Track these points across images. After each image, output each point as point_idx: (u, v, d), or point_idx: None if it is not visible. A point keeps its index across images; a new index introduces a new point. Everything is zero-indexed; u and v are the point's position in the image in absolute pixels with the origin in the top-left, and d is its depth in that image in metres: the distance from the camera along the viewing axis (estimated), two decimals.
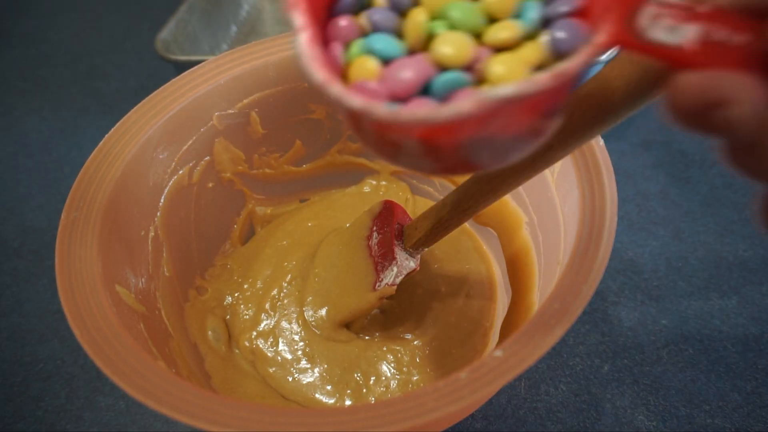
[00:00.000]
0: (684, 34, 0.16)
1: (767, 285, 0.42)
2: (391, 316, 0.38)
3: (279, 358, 0.37)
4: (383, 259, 0.34)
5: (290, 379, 0.36)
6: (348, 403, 0.34)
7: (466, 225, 0.43)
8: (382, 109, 0.16)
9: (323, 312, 0.38)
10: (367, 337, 0.37)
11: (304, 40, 0.17)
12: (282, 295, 0.40)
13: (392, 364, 0.36)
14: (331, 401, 0.35)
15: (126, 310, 0.29)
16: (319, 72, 0.17)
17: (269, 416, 0.23)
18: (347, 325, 0.38)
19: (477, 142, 0.18)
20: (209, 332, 0.38)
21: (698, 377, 0.38)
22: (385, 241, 0.35)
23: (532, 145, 0.19)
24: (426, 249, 0.34)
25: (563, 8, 0.17)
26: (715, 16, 0.16)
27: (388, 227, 0.35)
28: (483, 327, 0.38)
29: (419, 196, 0.45)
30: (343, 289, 0.37)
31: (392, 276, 0.33)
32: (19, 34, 0.74)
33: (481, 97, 0.15)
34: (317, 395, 0.35)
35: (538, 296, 0.34)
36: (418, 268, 0.34)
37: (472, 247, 0.42)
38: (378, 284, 0.34)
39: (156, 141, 0.35)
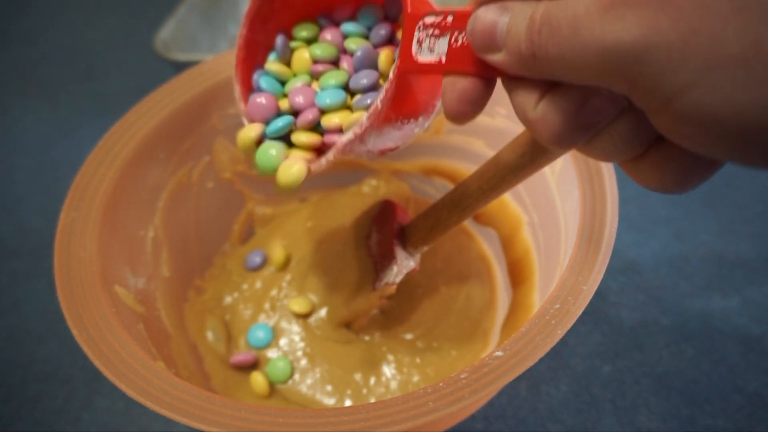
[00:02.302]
0: (438, 50, 0.21)
1: None
2: (391, 316, 0.38)
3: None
4: (383, 258, 0.34)
5: (290, 379, 0.36)
6: (348, 403, 0.34)
7: (466, 225, 0.43)
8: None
9: (323, 312, 0.38)
10: (367, 338, 0.37)
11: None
12: (282, 295, 0.40)
13: (392, 365, 0.36)
14: (331, 402, 0.35)
15: (125, 311, 0.29)
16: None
17: (269, 416, 0.23)
18: (347, 326, 0.38)
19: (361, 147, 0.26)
20: (209, 332, 0.38)
21: (700, 378, 0.38)
22: (385, 240, 0.35)
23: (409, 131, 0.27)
24: (426, 248, 0.34)
25: (364, 81, 0.25)
26: (456, 23, 0.20)
27: (388, 227, 0.35)
28: (483, 327, 0.38)
29: (419, 196, 0.45)
30: (343, 289, 0.37)
31: (392, 275, 0.33)
32: (17, 34, 0.74)
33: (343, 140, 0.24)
34: (317, 395, 0.35)
35: (538, 296, 0.34)
36: (418, 268, 0.34)
37: (473, 247, 0.42)
38: (378, 284, 0.34)
39: (155, 141, 0.35)
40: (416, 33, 0.21)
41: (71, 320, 0.26)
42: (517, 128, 0.28)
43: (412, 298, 0.39)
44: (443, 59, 0.20)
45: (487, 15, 0.18)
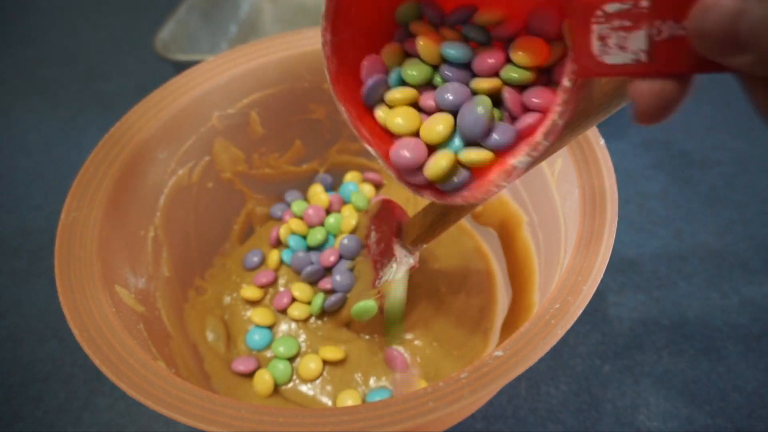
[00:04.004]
0: (634, 47, 0.16)
1: None
2: None
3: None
4: (382, 256, 0.34)
5: (290, 379, 0.36)
6: (348, 403, 0.34)
7: (466, 225, 0.43)
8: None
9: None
10: (367, 337, 0.37)
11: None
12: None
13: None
14: (331, 401, 0.35)
15: (125, 311, 0.29)
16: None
17: (269, 416, 0.23)
18: (347, 325, 0.38)
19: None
20: (209, 332, 0.38)
21: (699, 378, 0.38)
22: (384, 238, 0.35)
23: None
24: (425, 246, 0.34)
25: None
26: (658, 10, 0.15)
27: (387, 225, 0.35)
28: (483, 327, 0.38)
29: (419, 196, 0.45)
30: None
31: (392, 273, 0.33)
32: (18, 34, 0.74)
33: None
34: (317, 395, 0.35)
35: (538, 296, 0.34)
36: (417, 266, 0.34)
37: (472, 247, 0.42)
38: (377, 281, 0.34)
39: (155, 141, 0.35)
40: (595, 27, 0.16)
41: (72, 320, 0.26)
42: None
43: (412, 298, 0.39)
44: (643, 58, 0.16)
45: (723, 7, 0.14)
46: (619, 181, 0.30)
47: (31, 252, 0.48)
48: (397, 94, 0.24)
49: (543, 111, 0.21)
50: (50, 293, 0.43)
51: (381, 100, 0.25)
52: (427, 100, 0.24)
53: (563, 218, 0.32)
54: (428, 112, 0.24)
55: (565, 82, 0.18)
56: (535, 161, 0.21)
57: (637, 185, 0.50)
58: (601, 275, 0.26)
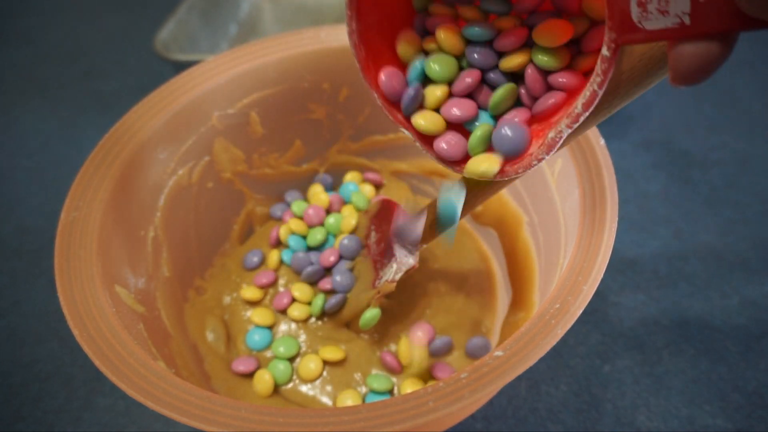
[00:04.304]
0: (675, 10, 0.16)
1: None
2: (391, 315, 0.38)
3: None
4: (382, 256, 0.34)
5: (290, 379, 0.36)
6: (348, 403, 0.34)
7: (466, 225, 0.43)
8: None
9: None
10: (366, 337, 0.37)
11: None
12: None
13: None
14: (331, 401, 0.35)
15: (125, 311, 0.29)
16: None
17: (269, 416, 0.23)
18: (347, 325, 0.38)
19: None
20: (209, 332, 0.38)
21: (699, 378, 0.38)
22: (384, 238, 0.35)
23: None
24: (425, 245, 0.34)
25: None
26: None
27: (387, 225, 0.35)
28: (483, 327, 0.38)
29: (419, 196, 0.45)
30: None
31: (391, 273, 0.33)
32: (17, 34, 0.74)
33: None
34: (317, 395, 0.35)
35: (538, 296, 0.34)
36: (417, 266, 0.34)
37: (472, 247, 0.42)
38: (377, 281, 0.34)
39: (155, 141, 0.35)
40: None
41: (71, 320, 0.26)
42: None
43: (412, 298, 0.39)
44: (687, 21, 0.16)
45: None
46: (619, 181, 0.30)
47: (31, 252, 0.48)
48: (431, 99, 0.25)
49: (568, 90, 0.22)
50: (50, 293, 0.43)
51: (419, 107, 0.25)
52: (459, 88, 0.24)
53: (563, 218, 0.32)
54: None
55: (604, 51, 0.18)
56: (573, 134, 0.21)
57: (637, 185, 0.50)
58: (601, 275, 0.26)
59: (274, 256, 0.41)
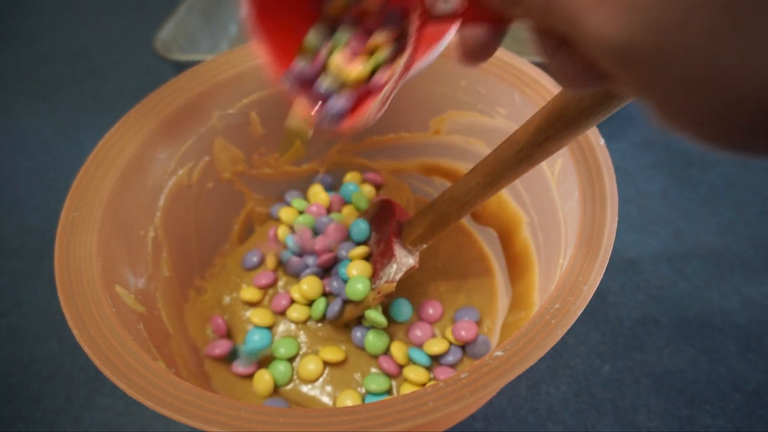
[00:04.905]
0: (455, 1, 0.20)
1: None
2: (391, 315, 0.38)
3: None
4: (382, 257, 0.34)
5: (290, 379, 0.36)
6: (348, 403, 0.34)
7: (466, 225, 0.43)
8: None
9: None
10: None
11: None
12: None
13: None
14: (331, 402, 0.35)
15: (125, 311, 0.29)
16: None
17: (269, 416, 0.23)
18: (347, 325, 0.38)
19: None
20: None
21: (699, 378, 0.38)
22: (384, 238, 0.35)
23: None
24: (425, 246, 0.34)
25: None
26: None
27: (387, 225, 0.35)
28: (483, 327, 0.38)
29: (419, 196, 0.45)
30: None
31: (392, 273, 0.33)
32: (17, 34, 0.74)
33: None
34: (317, 396, 0.35)
35: (538, 296, 0.34)
36: (417, 266, 0.34)
37: (472, 247, 0.42)
38: (377, 282, 0.34)
39: (155, 141, 0.35)
40: None
41: (72, 320, 0.26)
42: (517, 127, 0.28)
43: (412, 298, 0.39)
44: (459, 9, 0.21)
45: None
46: (619, 181, 0.30)
47: (31, 252, 0.48)
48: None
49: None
50: (50, 293, 0.43)
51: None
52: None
53: (563, 218, 0.32)
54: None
55: (411, 28, 0.22)
56: (393, 90, 0.25)
57: (637, 185, 0.50)
58: (601, 275, 0.26)
59: (272, 257, 0.41)
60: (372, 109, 0.26)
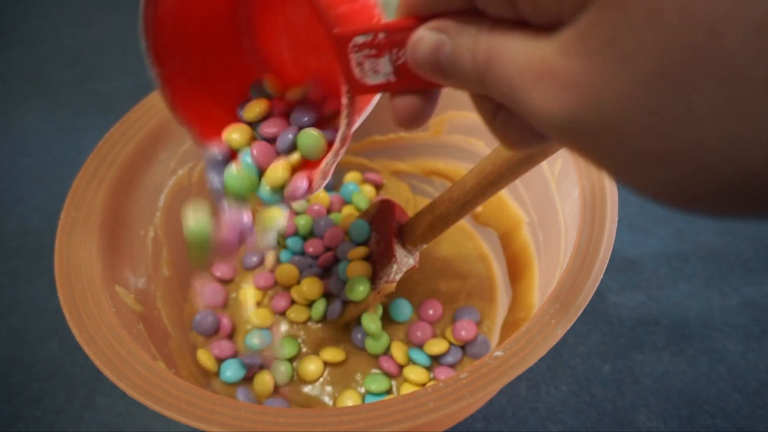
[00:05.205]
0: (383, 71, 0.20)
1: None
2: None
3: (279, 361, 0.36)
4: (382, 257, 0.34)
5: (290, 380, 0.36)
6: (348, 403, 0.34)
7: (466, 225, 0.43)
8: None
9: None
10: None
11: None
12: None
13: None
14: (331, 401, 0.35)
15: (125, 311, 0.29)
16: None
17: (269, 416, 0.23)
18: (347, 325, 0.38)
19: None
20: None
21: (699, 378, 0.38)
22: (384, 239, 0.35)
23: None
24: (425, 246, 0.34)
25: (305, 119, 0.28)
26: (391, 40, 0.19)
27: (387, 225, 0.35)
28: (483, 327, 0.38)
29: (419, 196, 0.45)
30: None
31: (392, 273, 0.33)
32: (18, 34, 0.74)
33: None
34: (317, 395, 0.35)
35: (538, 296, 0.34)
36: (417, 266, 0.34)
37: (472, 247, 0.42)
38: (377, 282, 0.34)
39: (155, 141, 0.35)
40: (352, 56, 0.20)
41: (72, 320, 0.26)
42: None
43: (412, 298, 0.39)
44: (392, 79, 0.20)
45: (425, 43, 0.17)
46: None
47: (31, 252, 0.48)
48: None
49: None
50: (50, 293, 0.43)
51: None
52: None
53: (563, 218, 0.32)
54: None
55: (344, 99, 0.22)
56: (335, 161, 0.26)
57: None
58: (601, 275, 0.26)
59: (271, 257, 0.41)
60: (316, 181, 0.26)
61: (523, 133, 0.18)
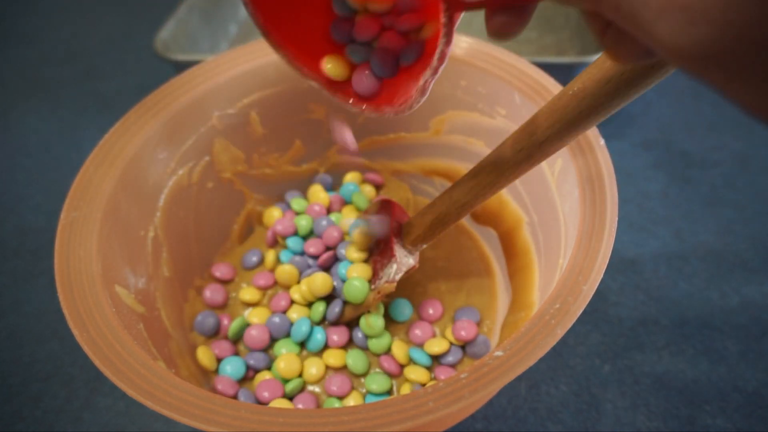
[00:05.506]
0: None
1: None
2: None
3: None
4: (382, 257, 0.34)
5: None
6: (349, 403, 0.34)
7: (466, 225, 0.43)
8: None
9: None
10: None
11: None
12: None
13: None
14: (332, 402, 0.35)
15: (125, 311, 0.29)
16: None
17: (269, 416, 0.23)
18: (347, 325, 0.38)
19: None
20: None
21: (699, 378, 0.38)
22: (384, 238, 0.35)
23: None
24: (425, 246, 0.34)
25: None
26: None
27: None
28: (483, 327, 0.38)
29: (419, 196, 0.45)
30: None
31: (392, 273, 0.33)
32: (18, 34, 0.74)
33: None
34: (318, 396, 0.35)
35: (538, 296, 0.34)
36: (417, 266, 0.34)
37: (472, 247, 0.42)
38: (377, 282, 0.34)
39: (155, 141, 0.35)
40: None
41: (72, 320, 0.26)
42: (517, 128, 0.28)
43: (412, 298, 0.39)
44: None
45: None
46: (619, 181, 0.30)
47: (31, 252, 0.48)
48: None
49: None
50: (50, 293, 0.43)
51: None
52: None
53: (563, 218, 0.32)
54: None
55: (442, 18, 0.22)
56: (434, 77, 0.25)
57: (637, 185, 0.50)
58: (601, 275, 0.26)
59: (271, 257, 0.41)
60: (414, 95, 0.26)
61: (634, 51, 0.18)
